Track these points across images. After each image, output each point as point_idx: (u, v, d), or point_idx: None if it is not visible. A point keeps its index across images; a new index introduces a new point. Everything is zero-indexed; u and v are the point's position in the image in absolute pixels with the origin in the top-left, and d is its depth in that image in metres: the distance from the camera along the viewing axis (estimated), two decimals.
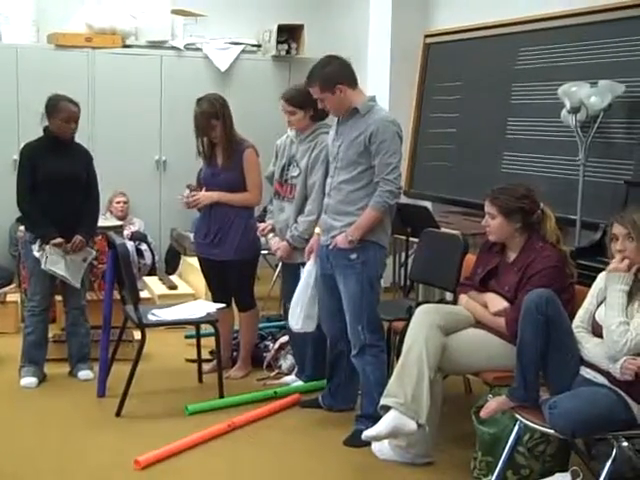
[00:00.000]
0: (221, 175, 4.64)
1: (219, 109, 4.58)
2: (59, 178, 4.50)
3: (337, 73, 3.81)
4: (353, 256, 3.84)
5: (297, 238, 4.36)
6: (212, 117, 4.56)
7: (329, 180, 3.99)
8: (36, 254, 4.51)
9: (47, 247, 4.47)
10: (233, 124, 4.65)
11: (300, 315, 4.17)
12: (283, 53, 7.63)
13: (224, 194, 4.63)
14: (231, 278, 4.74)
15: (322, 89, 3.81)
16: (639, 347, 2.94)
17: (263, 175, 4.74)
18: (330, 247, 3.91)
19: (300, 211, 4.38)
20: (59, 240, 4.48)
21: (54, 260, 4.50)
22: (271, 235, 4.61)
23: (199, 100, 4.64)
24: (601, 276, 3.23)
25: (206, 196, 4.67)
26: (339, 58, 3.90)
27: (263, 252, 5.25)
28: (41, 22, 7.15)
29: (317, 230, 4.20)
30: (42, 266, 4.51)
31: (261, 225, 4.71)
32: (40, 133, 4.62)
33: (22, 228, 4.71)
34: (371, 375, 3.91)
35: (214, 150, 4.68)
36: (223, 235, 4.66)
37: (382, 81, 6.80)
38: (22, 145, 4.67)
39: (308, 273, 4.18)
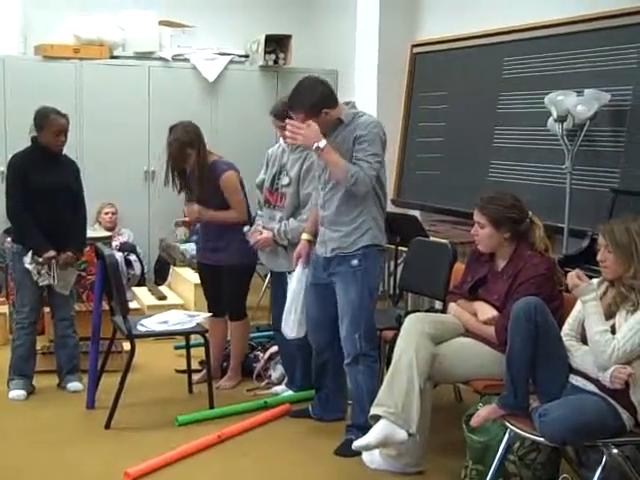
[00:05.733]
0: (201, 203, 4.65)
1: (194, 137, 4.54)
2: (48, 189, 4.48)
3: (321, 99, 3.78)
4: (355, 262, 3.83)
5: (282, 233, 4.35)
6: (187, 146, 4.51)
7: (321, 193, 3.98)
8: (28, 267, 4.49)
9: (45, 266, 4.45)
10: (206, 151, 4.60)
11: (295, 322, 4.17)
12: (271, 63, 7.64)
13: (215, 214, 4.62)
14: (226, 285, 4.73)
15: (307, 116, 3.77)
16: (627, 355, 2.96)
17: (253, 183, 4.75)
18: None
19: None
20: (52, 253, 4.47)
21: (49, 276, 4.49)
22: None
23: (171, 128, 4.59)
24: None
25: (199, 211, 4.63)
26: (320, 80, 3.88)
27: None
28: (28, 33, 7.16)
29: (304, 236, 4.19)
30: (40, 282, 4.49)
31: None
32: (27, 145, 4.60)
33: (9, 239, 4.69)
34: (363, 385, 3.90)
35: (185, 179, 4.65)
36: (224, 241, 4.66)
37: (369, 91, 6.82)
38: (10, 156, 4.65)
39: (298, 279, 4.17)
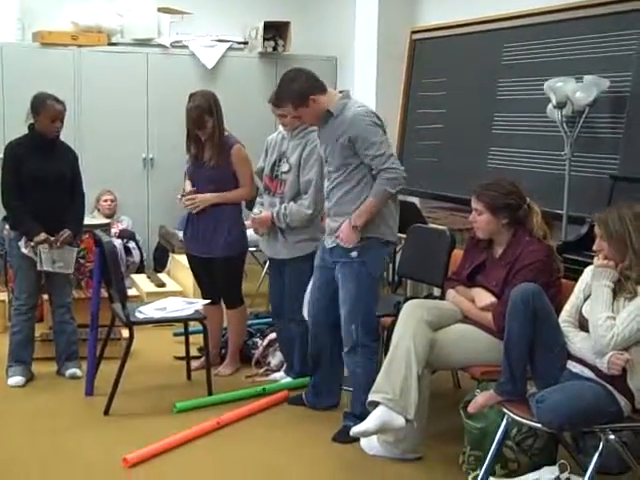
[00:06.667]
0: (207, 171, 4.63)
1: (212, 105, 4.57)
2: (44, 177, 4.47)
3: (306, 86, 3.78)
4: (354, 254, 3.82)
5: (282, 216, 4.35)
6: (205, 113, 4.54)
7: (326, 183, 3.98)
8: (24, 251, 4.50)
9: (40, 247, 4.46)
10: (223, 121, 4.63)
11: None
12: (270, 50, 7.62)
13: (219, 195, 4.62)
14: (219, 275, 4.74)
15: (296, 106, 3.79)
16: (625, 342, 2.95)
17: (252, 170, 4.76)
18: (335, 237, 3.86)
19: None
20: (43, 237, 4.46)
21: (47, 259, 4.49)
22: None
23: (192, 95, 4.63)
24: (587, 271, 3.25)
25: (203, 199, 4.63)
26: (302, 70, 3.89)
27: (251, 249, 5.25)
28: (26, 20, 7.14)
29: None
30: (40, 268, 4.50)
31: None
32: (25, 132, 4.60)
33: (7, 227, 4.69)
34: (361, 377, 3.88)
35: (201, 147, 4.66)
36: (212, 233, 4.66)
37: (369, 77, 6.80)
38: (6, 144, 4.64)
39: None
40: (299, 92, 3.76)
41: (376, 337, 3.98)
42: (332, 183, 3.90)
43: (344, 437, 3.81)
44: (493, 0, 5.90)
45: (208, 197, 4.64)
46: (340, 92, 3.92)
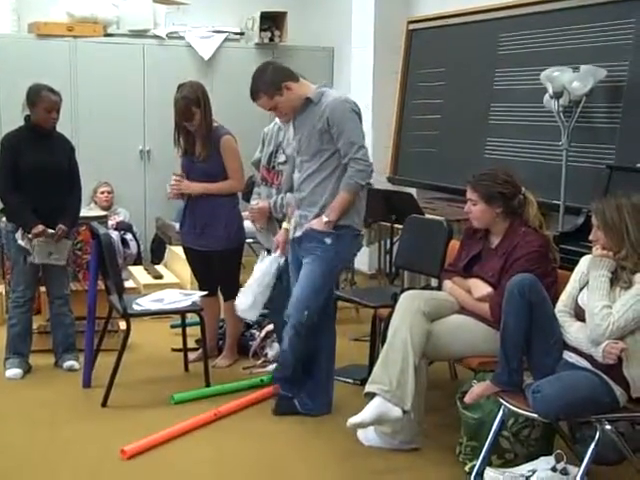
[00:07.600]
0: (199, 164, 4.62)
1: (200, 96, 4.55)
2: (42, 168, 4.46)
3: (277, 74, 3.80)
4: (328, 240, 3.82)
5: (279, 207, 4.37)
6: (192, 104, 4.51)
7: (297, 175, 3.97)
8: (20, 242, 4.49)
9: (35, 241, 4.45)
10: (212, 112, 4.61)
11: (247, 301, 4.20)
12: (266, 41, 7.61)
13: (207, 185, 4.61)
14: (217, 268, 4.74)
15: (270, 95, 3.79)
16: (621, 331, 2.96)
17: (249, 161, 4.74)
18: (305, 230, 3.87)
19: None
20: (40, 229, 4.46)
21: (42, 251, 4.48)
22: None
23: (180, 86, 4.62)
24: (583, 260, 3.25)
25: (189, 186, 4.64)
26: (272, 62, 3.95)
27: (248, 241, 5.24)
28: (22, 11, 7.12)
29: (285, 225, 4.18)
30: (33, 260, 4.49)
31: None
32: (21, 123, 4.58)
33: (4, 219, 4.69)
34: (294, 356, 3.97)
35: (191, 139, 4.64)
36: (208, 226, 4.65)
37: (365, 67, 6.80)
38: (3, 136, 4.63)
39: (270, 263, 4.18)
40: (271, 81, 3.78)
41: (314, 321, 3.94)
42: (305, 173, 3.89)
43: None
44: None
45: (193, 186, 4.63)
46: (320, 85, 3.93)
